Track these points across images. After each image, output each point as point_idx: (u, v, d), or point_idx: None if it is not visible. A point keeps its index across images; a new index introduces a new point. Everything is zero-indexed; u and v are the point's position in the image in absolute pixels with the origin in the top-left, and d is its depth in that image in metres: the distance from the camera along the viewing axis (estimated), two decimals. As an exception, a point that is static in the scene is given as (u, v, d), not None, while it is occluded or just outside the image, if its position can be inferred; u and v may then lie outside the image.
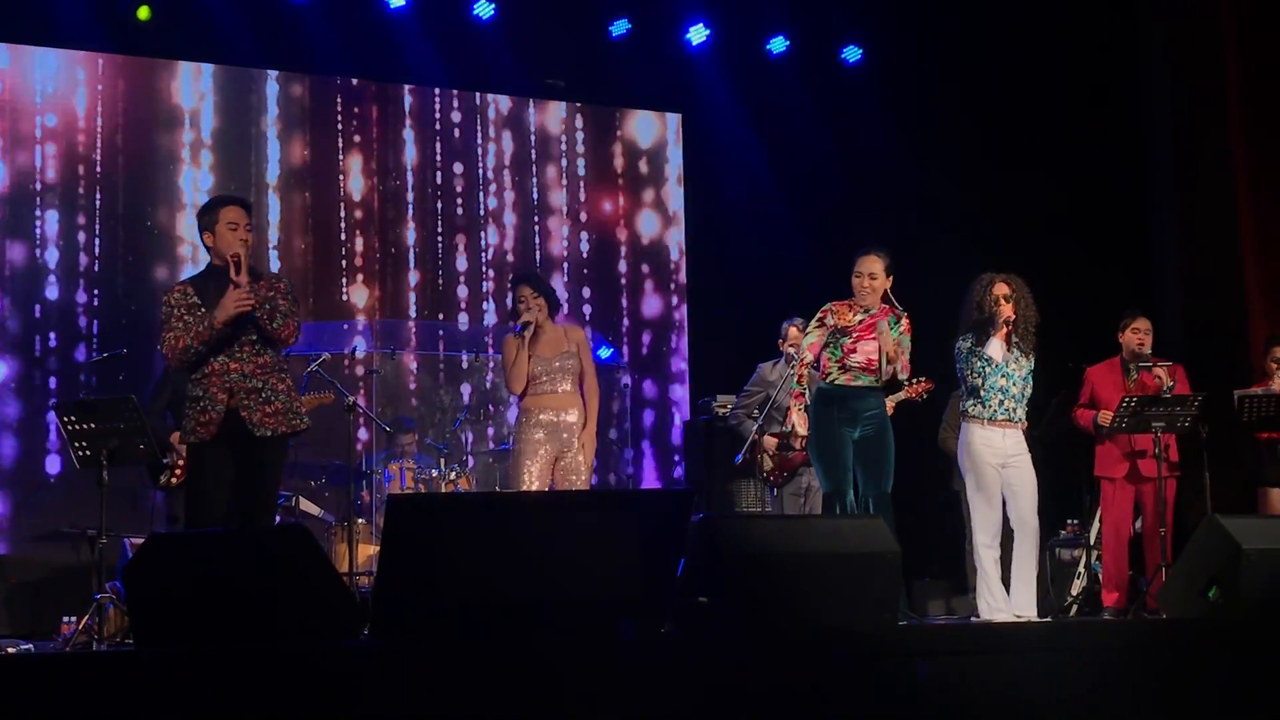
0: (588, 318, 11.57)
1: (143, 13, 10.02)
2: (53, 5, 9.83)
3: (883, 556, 5.34)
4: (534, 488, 7.24)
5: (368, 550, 8.75)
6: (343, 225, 10.95)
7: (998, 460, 7.21)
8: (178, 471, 7.66)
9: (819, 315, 7.25)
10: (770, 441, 8.57)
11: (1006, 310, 7.23)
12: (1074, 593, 9.04)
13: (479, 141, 11.45)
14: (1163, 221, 11.08)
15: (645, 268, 11.87)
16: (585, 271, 11.67)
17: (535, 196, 11.58)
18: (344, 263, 10.93)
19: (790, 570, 5.18)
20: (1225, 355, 9.95)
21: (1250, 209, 10.59)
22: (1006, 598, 7.15)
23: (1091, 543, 9.01)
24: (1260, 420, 8.28)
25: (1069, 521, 9.50)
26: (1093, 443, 8.46)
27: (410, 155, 11.22)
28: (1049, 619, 8.23)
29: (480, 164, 11.42)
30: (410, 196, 11.20)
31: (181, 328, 6.05)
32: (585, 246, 11.71)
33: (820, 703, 4.74)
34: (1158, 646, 5.41)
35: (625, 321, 11.74)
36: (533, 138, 11.62)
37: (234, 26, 10.18)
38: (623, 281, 11.78)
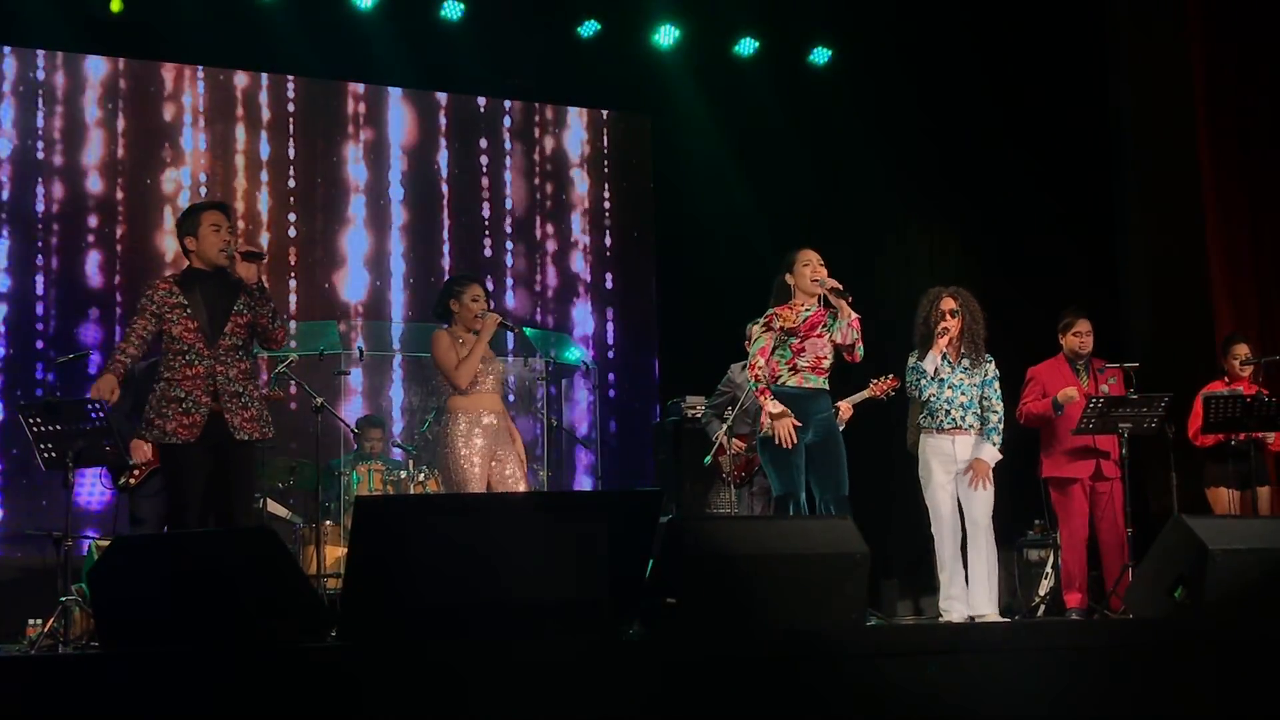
0: (556, 319, 11.57)
1: (115, 5, 9.94)
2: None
3: (851, 558, 5.34)
4: (479, 486, 7.19)
5: (335, 552, 8.72)
6: (295, 222, 10.94)
7: (950, 469, 7.30)
8: (135, 473, 7.59)
9: (764, 320, 7.18)
10: (738, 443, 8.58)
11: (949, 324, 7.31)
12: (1041, 593, 9.06)
13: (447, 142, 11.44)
14: (1128, 223, 11.13)
15: (615, 269, 11.88)
16: (554, 273, 11.66)
17: (503, 197, 11.58)
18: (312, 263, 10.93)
19: (758, 571, 5.18)
20: (1190, 356, 10.01)
21: (1216, 210, 10.65)
22: (965, 597, 7.24)
23: (1058, 543, 9.04)
24: (1225, 421, 8.32)
25: (1035, 522, 9.53)
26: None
27: (377, 155, 11.21)
28: (1016, 618, 8.27)
29: (447, 164, 11.42)
30: (376, 196, 11.18)
31: (149, 326, 6.12)
32: (553, 247, 11.70)
33: (787, 704, 4.75)
34: (1124, 646, 5.43)
35: (594, 323, 11.74)
36: (493, 139, 11.61)
37: (202, 25, 10.15)
38: (591, 283, 11.78)
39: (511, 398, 10.76)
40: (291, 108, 10.99)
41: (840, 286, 7.04)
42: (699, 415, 9.24)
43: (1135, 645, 5.42)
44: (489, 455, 7.22)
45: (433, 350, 7.29)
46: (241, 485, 6.26)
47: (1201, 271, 10.57)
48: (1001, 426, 7.50)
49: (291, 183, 10.94)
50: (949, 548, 7.31)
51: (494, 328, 7.27)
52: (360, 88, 11.21)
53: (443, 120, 11.45)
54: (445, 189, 11.41)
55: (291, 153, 10.96)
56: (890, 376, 8.29)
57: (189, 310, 6.14)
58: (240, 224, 9.65)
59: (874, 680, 4.91)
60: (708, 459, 8.69)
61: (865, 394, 8.28)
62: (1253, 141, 10.68)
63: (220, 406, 6.13)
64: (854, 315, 7.06)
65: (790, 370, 7.07)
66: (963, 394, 7.37)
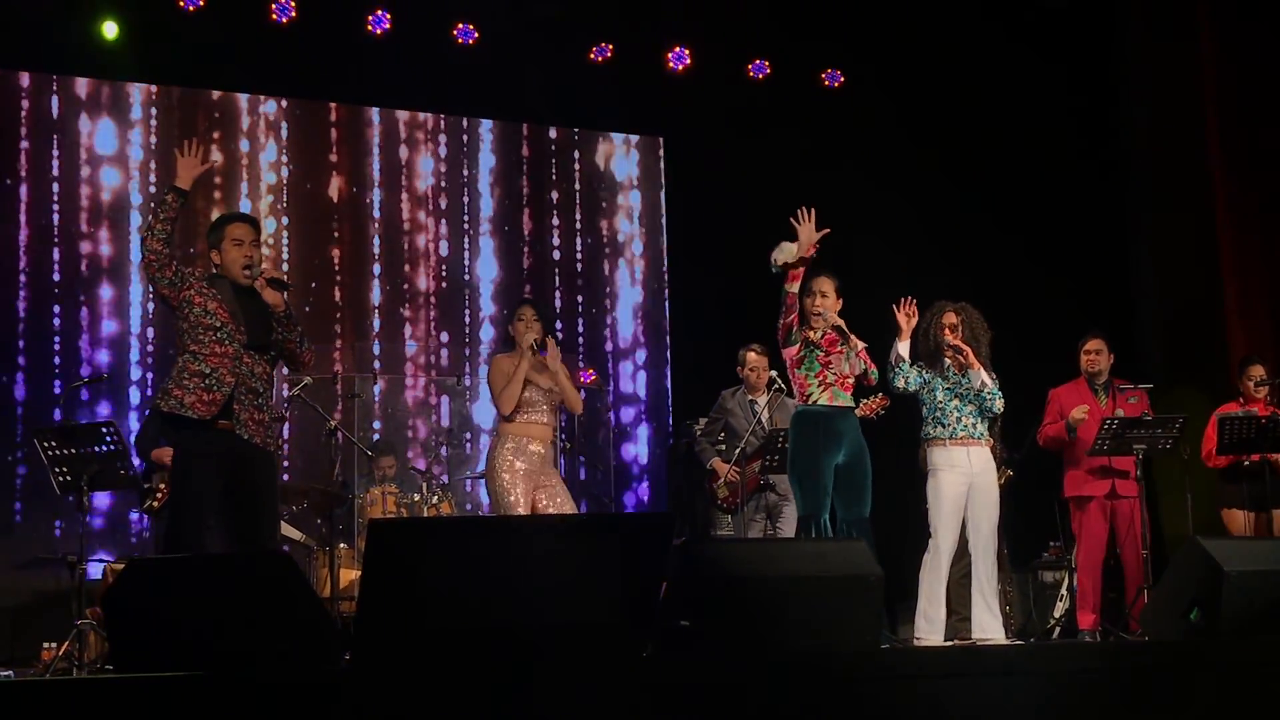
0: (567, 341, 11.57)
1: (109, 32, 9.93)
2: (16, 26, 9.74)
3: (865, 579, 5.34)
4: (522, 512, 7.21)
5: (349, 575, 8.72)
6: (308, 246, 10.98)
7: (963, 481, 7.26)
8: (159, 496, 7.59)
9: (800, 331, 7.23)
10: (734, 470, 8.59)
11: (951, 339, 7.32)
12: (1056, 615, 9.04)
13: (459, 165, 11.46)
14: (1141, 243, 11.13)
15: (626, 292, 11.89)
16: (565, 295, 11.67)
17: (514, 219, 11.59)
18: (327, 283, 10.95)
19: (772, 593, 5.18)
20: (1204, 378, 9.99)
21: (1228, 231, 10.65)
22: (944, 622, 7.21)
23: (1074, 565, 9.02)
24: (1239, 442, 8.30)
25: (1051, 544, 9.50)
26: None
27: (392, 178, 11.23)
28: (1032, 640, 8.25)
29: (460, 187, 11.43)
30: (391, 219, 11.20)
31: (173, 262, 6.01)
32: (565, 270, 11.71)
33: (803, 726, 4.74)
34: (1139, 668, 5.41)
35: (607, 346, 11.75)
36: (505, 162, 11.63)
37: (215, 49, 10.19)
38: (604, 306, 11.79)
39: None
40: (287, 130, 11.00)
41: (842, 324, 7.10)
42: (695, 443, 9.23)
43: (1150, 668, 5.41)
44: (533, 483, 7.25)
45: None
46: (266, 503, 6.12)
47: (1215, 293, 10.56)
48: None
49: (306, 205, 10.97)
50: (943, 568, 7.26)
51: (529, 358, 7.27)
52: (373, 112, 11.23)
53: (454, 144, 11.47)
54: (456, 211, 11.42)
55: (303, 176, 10.98)
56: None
57: (219, 297, 6.05)
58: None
59: (888, 702, 4.90)
60: (720, 483, 8.72)
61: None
62: (1267, 161, 10.68)
63: (235, 393, 5.95)
64: (861, 346, 7.16)
65: (820, 385, 7.15)
66: (970, 403, 7.37)
